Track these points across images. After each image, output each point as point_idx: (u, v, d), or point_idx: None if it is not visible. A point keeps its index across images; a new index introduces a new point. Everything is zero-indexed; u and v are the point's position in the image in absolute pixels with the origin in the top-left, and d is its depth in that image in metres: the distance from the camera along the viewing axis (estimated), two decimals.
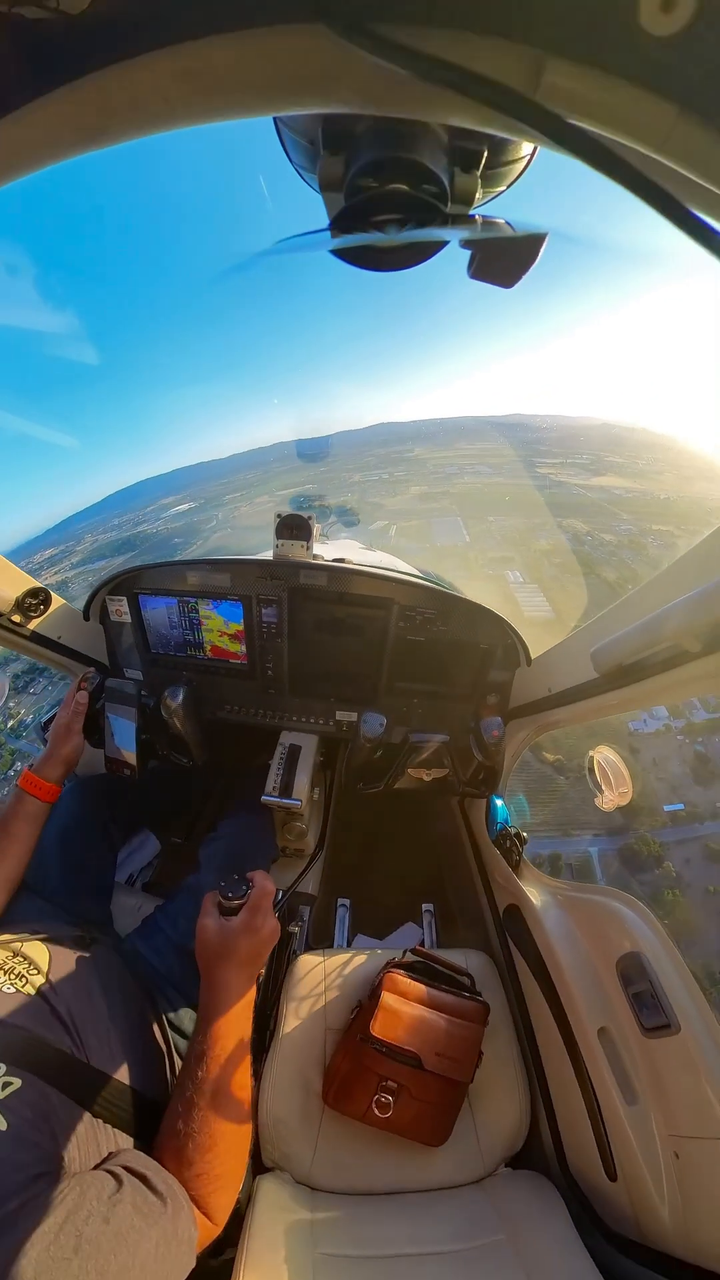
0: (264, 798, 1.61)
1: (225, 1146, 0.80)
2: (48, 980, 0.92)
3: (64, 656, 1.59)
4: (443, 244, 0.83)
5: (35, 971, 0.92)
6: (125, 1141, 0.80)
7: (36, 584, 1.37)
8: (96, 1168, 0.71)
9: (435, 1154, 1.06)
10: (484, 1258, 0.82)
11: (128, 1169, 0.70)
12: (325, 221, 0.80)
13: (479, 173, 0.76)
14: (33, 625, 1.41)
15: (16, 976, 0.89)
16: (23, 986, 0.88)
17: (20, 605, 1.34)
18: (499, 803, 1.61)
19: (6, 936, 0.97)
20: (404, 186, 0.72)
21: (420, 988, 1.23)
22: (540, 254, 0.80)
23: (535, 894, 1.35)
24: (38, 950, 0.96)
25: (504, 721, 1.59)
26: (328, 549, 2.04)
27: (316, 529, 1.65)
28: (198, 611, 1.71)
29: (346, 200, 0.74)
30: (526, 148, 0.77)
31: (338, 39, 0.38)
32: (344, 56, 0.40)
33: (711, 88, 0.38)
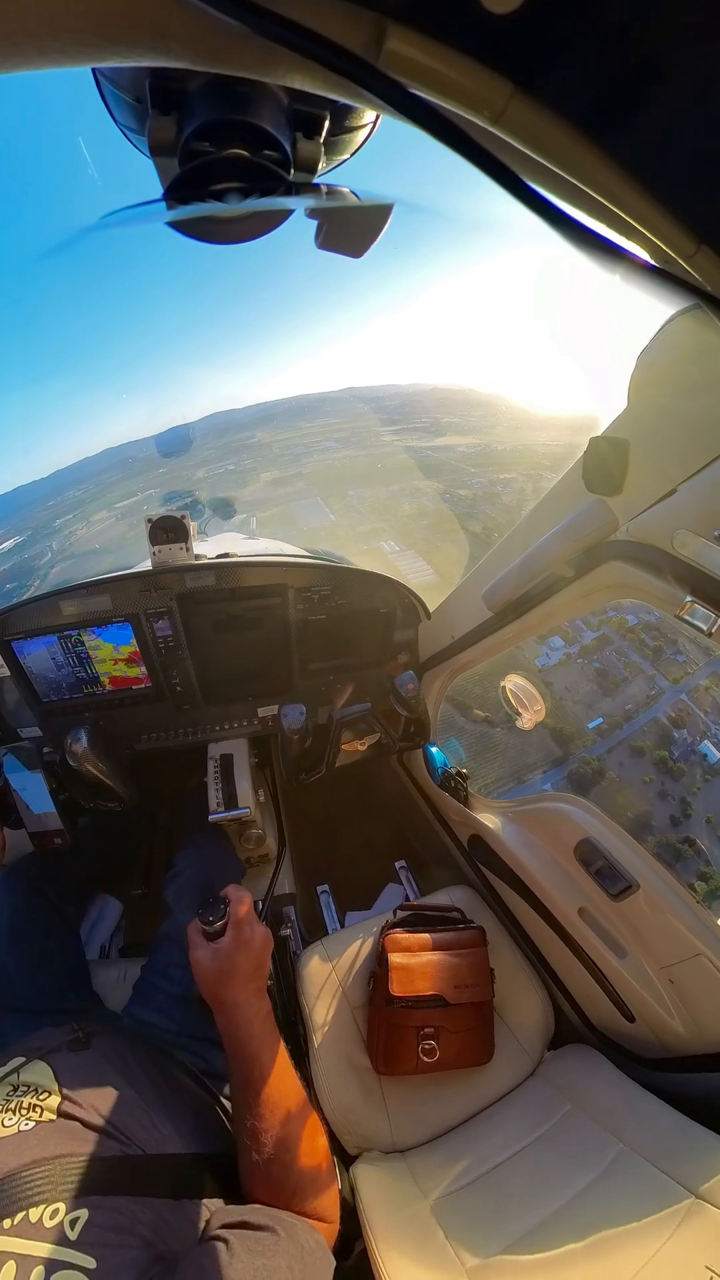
0: (211, 816, 1.54)
1: (305, 1153, 0.82)
2: (63, 1097, 0.81)
3: None
4: (287, 213, 0.80)
5: (46, 1094, 0.81)
6: (215, 1205, 0.77)
7: None
8: (201, 1242, 0.68)
9: (489, 1069, 1.18)
10: (563, 1128, 0.96)
11: (224, 1226, 0.69)
12: (159, 190, 0.72)
13: (322, 139, 0.74)
14: None
15: (29, 1109, 0.78)
16: (40, 1117, 0.77)
17: None
18: (434, 749, 1.72)
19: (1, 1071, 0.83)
20: (243, 152, 0.67)
21: (420, 937, 1.31)
22: (387, 223, 0.81)
23: (490, 820, 1.50)
24: (38, 1071, 0.85)
25: (417, 674, 1.69)
26: (209, 546, 1.92)
27: (193, 527, 1.54)
28: (83, 644, 1.53)
29: (181, 166, 0.67)
30: (369, 115, 0.76)
31: None
32: (177, 4, 0.36)
33: (545, 67, 0.41)
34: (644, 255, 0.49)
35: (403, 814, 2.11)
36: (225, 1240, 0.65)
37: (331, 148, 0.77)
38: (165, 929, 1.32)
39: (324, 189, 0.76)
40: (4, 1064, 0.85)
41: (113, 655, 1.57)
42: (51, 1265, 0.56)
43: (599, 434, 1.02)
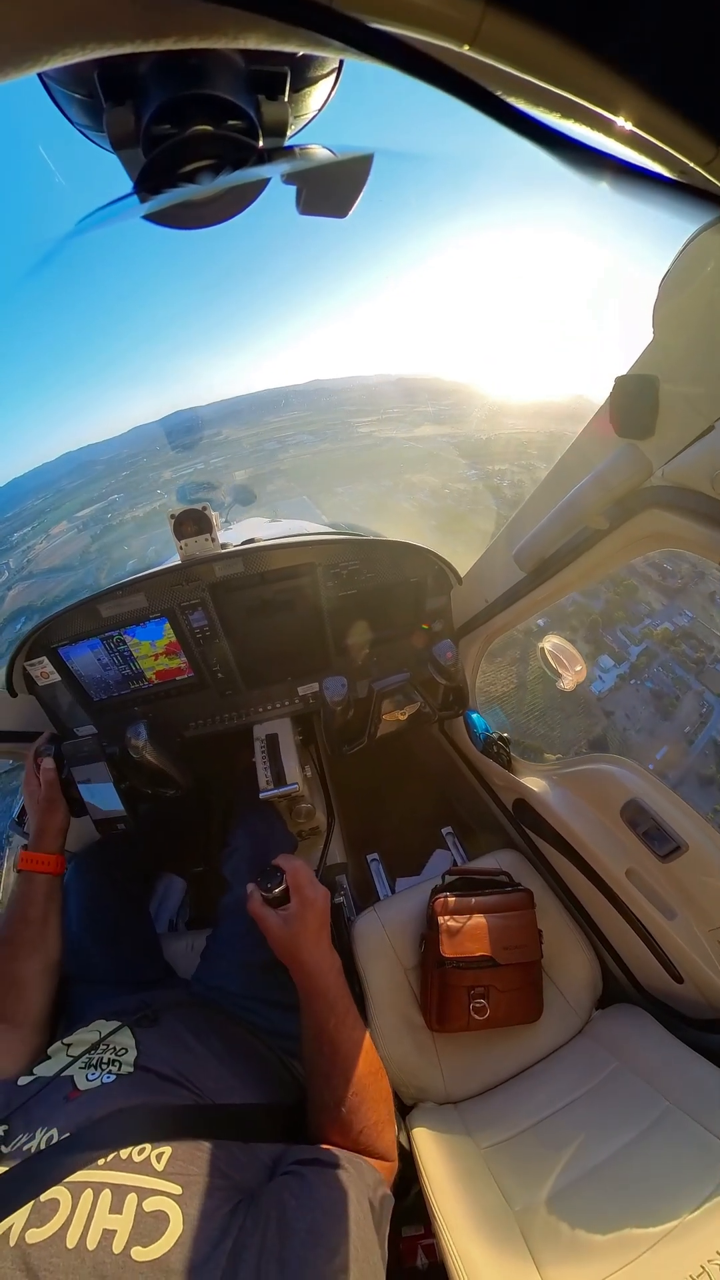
0: (261, 794, 1.61)
1: (372, 1097, 0.88)
2: (140, 1053, 0.91)
3: (6, 743, 1.44)
4: (263, 184, 0.76)
5: (125, 1052, 0.90)
6: (281, 1147, 0.85)
7: None
8: (274, 1179, 0.75)
9: (538, 1027, 1.22)
10: (610, 1084, 0.99)
11: (299, 1162, 0.75)
12: (129, 185, 0.69)
13: (286, 97, 0.69)
14: None
15: (109, 1064, 0.87)
16: (119, 1070, 0.86)
17: None
18: (475, 715, 1.72)
19: (82, 1034, 0.94)
20: (207, 127, 0.63)
21: (469, 900, 1.35)
22: (368, 176, 0.76)
23: (535, 783, 1.49)
24: (119, 1034, 0.94)
25: (454, 642, 1.67)
26: (233, 533, 1.95)
27: (216, 518, 1.56)
28: (125, 642, 1.60)
29: (146, 155, 0.65)
30: (332, 62, 0.70)
31: None
32: None
33: None
34: (657, 168, 0.44)
35: (447, 781, 2.13)
36: (301, 1174, 0.72)
37: (299, 104, 0.72)
38: (226, 902, 1.41)
39: (297, 150, 0.72)
40: (87, 1028, 0.95)
41: (151, 651, 1.64)
42: (143, 1192, 0.62)
43: (624, 373, 0.94)
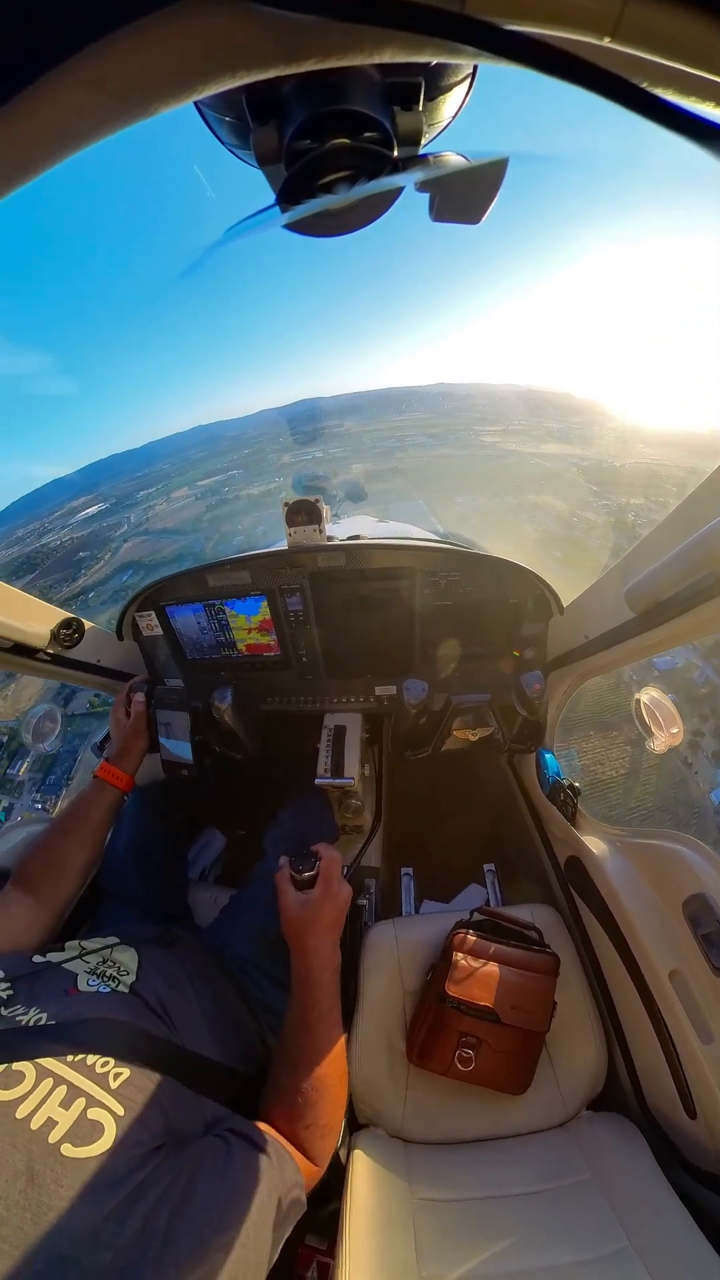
0: (317, 780, 1.66)
1: (329, 1099, 0.88)
2: (138, 978, 0.99)
3: (106, 678, 1.67)
4: (397, 192, 0.79)
5: (126, 973, 0.99)
6: (224, 1111, 0.88)
7: (68, 615, 1.44)
8: (204, 1135, 0.78)
9: (519, 1101, 1.11)
10: (572, 1196, 0.86)
11: (233, 1132, 0.77)
12: (271, 197, 0.76)
13: (420, 107, 0.71)
14: (71, 654, 1.48)
15: (110, 978, 0.96)
16: (117, 986, 0.94)
17: (56, 638, 1.41)
18: (549, 756, 1.59)
19: (97, 942, 1.05)
20: (344, 140, 0.67)
21: (490, 945, 1.26)
22: (502, 182, 0.75)
23: (595, 844, 1.35)
24: (127, 954, 1.03)
25: (544, 674, 1.56)
26: (341, 528, 2.02)
27: (326, 511, 1.64)
28: (224, 613, 1.75)
29: (288, 169, 0.70)
30: (466, 67, 0.71)
31: (237, 3, 0.35)
32: (248, 20, 0.36)
33: None
34: None
35: (502, 816, 2.00)
36: (228, 1144, 0.74)
37: (433, 112, 0.75)
38: (259, 869, 1.48)
39: (431, 158, 0.74)
40: (104, 938, 1.06)
41: (246, 624, 1.78)
42: (91, 1100, 0.68)
43: None
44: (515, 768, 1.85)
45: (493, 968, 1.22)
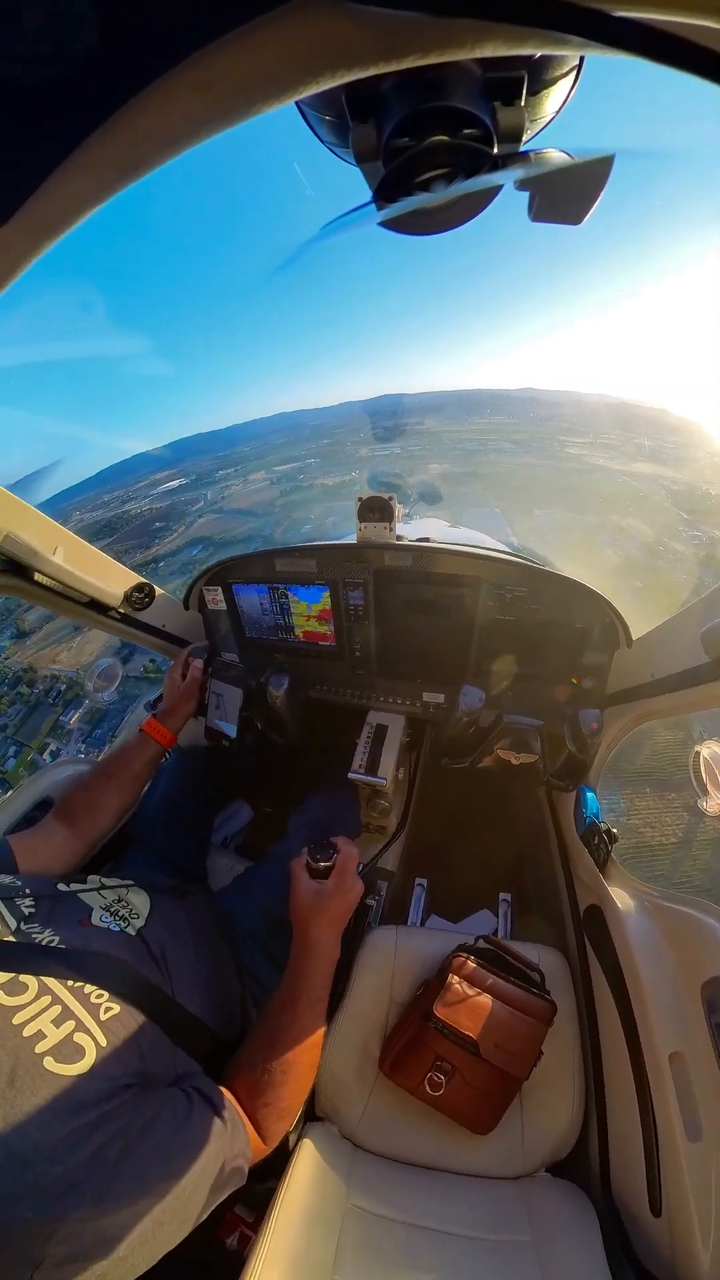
0: (350, 774, 1.67)
1: (294, 1084, 0.90)
2: (146, 924, 1.04)
3: (168, 642, 1.78)
4: (495, 190, 0.77)
5: (136, 916, 1.05)
6: (195, 1068, 0.91)
7: (142, 580, 1.55)
8: (171, 1085, 0.82)
9: (478, 1141, 1.06)
10: (506, 1254, 0.81)
11: (198, 1090, 0.80)
12: (368, 195, 0.78)
13: (522, 102, 0.69)
14: (140, 615, 1.60)
15: (121, 918, 1.02)
16: (125, 927, 1.00)
17: (128, 599, 1.53)
18: (591, 795, 1.49)
19: (116, 881, 1.12)
20: (443, 137, 0.67)
21: (488, 976, 1.21)
22: (607, 180, 0.72)
23: (621, 896, 1.24)
24: (140, 898, 1.10)
25: (601, 709, 1.47)
26: (411, 528, 2.01)
27: (398, 510, 1.64)
28: (287, 597, 1.81)
29: (386, 167, 0.71)
30: (572, 59, 0.68)
31: (338, 3, 0.36)
32: (349, 20, 0.37)
33: None
34: None
35: (529, 846, 1.90)
36: (190, 1100, 0.78)
37: (535, 107, 0.73)
38: (277, 849, 1.52)
39: (532, 155, 0.72)
40: (123, 879, 1.14)
41: (307, 612, 1.82)
42: (80, 1025, 0.74)
43: None
44: (552, 798, 1.75)
45: (485, 999, 1.17)
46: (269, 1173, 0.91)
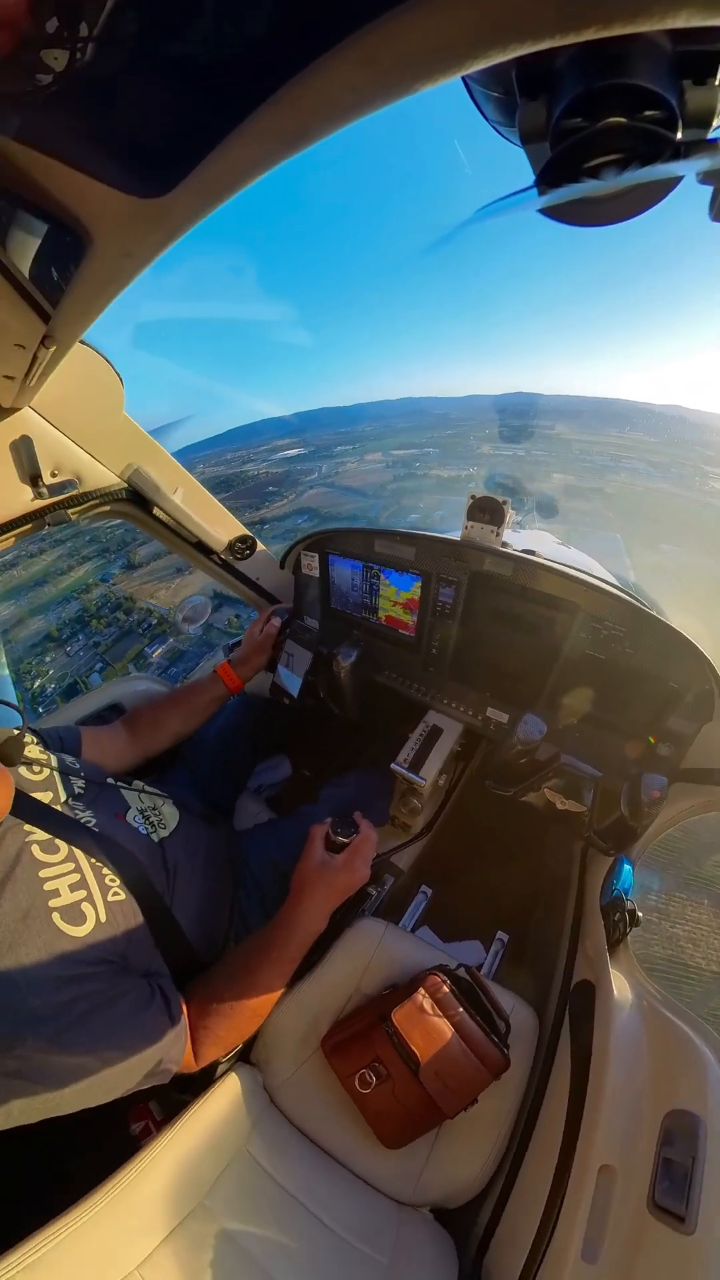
0: (393, 765, 1.68)
1: (237, 1023, 0.98)
2: (170, 836, 1.16)
3: (258, 594, 1.89)
4: (673, 183, 0.70)
5: (163, 826, 1.17)
6: (166, 972, 1.00)
7: (247, 532, 1.66)
8: (143, 977, 0.92)
9: (381, 1153, 1.06)
10: (358, 1263, 0.82)
11: (162, 990, 0.91)
12: (531, 178, 0.73)
13: (717, 81, 0.60)
14: (239, 565, 1.71)
15: (150, 824, 1.15)
16: (151, 833, 1.13)
17: (231, 547, 1.65)
18: (628, 867, 1.35)
19: (156, 791, 1.25)
20: (620, 119, 0.61)
21: (456, 1007, 1.18)
22: None
23: (620, 984, 1.13)
24: (171, 812, 1.22)
25: (669, 782, 1.31)
26: (519, 538, 1.90)
27: (510, 515, 1.56)
28: (379, 579, 1.82)
29: (553, 149, 0.66)
30: None
31: None
32: None
33: None
34: None
35: (545, 896, 1.78)
36: (151, 995, 0.88)
37: None
38: (304, 810, 1.59)
39: None
40: (161, 792, 1.25)
41: (394, 597, 1.82)
42: (91, 898, 0.87)
43: None
44: (585, 856, 1.61)
45: (445, 1027, 1.15)
46: (189, 1087, 1.00)
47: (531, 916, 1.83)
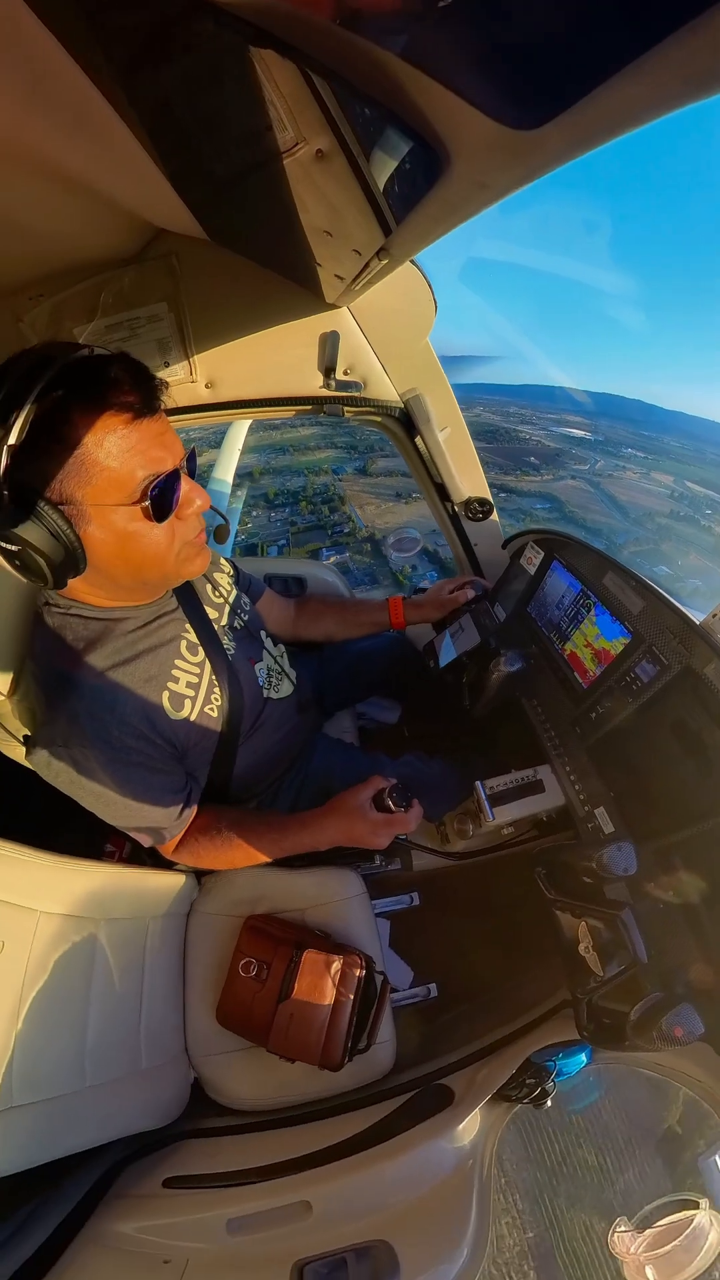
0: (478, 782, 1.60)
1: (217, 856, 1.22)
2: (274, 697, 1.39)
3: (468, 558, 1.83)
4: None
5: (275, 690, 1.40)
6: (204, 781, 1.25)
7: (488, 496, 1.58)
8: (188, 774, 1.19)
9: (209, 1016, 1.26)
10: (123, 1049, 1.05)
11: (192, 792, 1.18)
12: None
13: None
14: (465, 524, 1.67)
15: (266, 680, 1.38)
16: (265, 690, 1.36)
17: (468, 504, 1.60)
18: (584, 1059, 1.15)
19: (288, 664, 1.49)
20: None
21: (350, 994, 1.23)
22: None
23: (470, 1128, 1.04)
24: (288, 686, 1.45)
25: (707, 1037, 1.03)
26: None
27: None
28: (588, 611, 1.61)
29: None
30: None
31: None
32: None
33: None
34: None
35: (493, 1000, 1.67)
36: (188, 783, 1.16)
37: None
38: (380, 758, 1.68)
39: None
40: (290, 668, 1.48)
41: (590, 640, 1.60)
42: (193, 699, 1.15)
43: None
44: (557, 1008, 1.40)
45: (329, 997, 1.21)
46: (158, 862, 1.29)
47: (471, 1000, 1.72)
